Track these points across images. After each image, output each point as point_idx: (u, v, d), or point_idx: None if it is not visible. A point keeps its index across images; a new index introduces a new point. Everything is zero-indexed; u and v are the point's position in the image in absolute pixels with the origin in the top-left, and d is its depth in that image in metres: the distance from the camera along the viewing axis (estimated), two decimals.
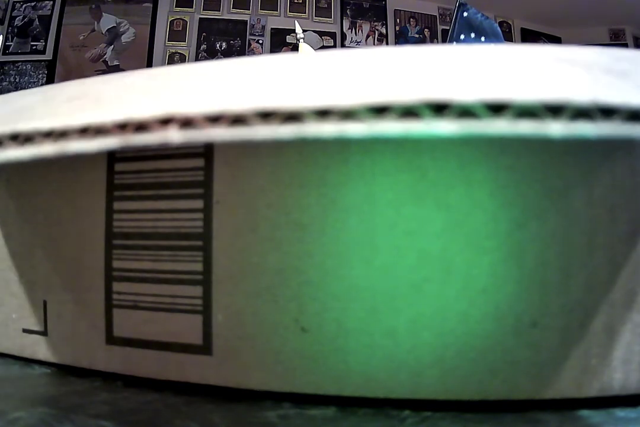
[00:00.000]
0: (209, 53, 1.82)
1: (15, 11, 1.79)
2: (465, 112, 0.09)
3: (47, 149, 0.10)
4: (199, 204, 0.15)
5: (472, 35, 0.80)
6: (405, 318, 0.14)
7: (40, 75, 1.74)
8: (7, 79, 1.73)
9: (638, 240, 0.14)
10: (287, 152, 0.15)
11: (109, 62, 1.76)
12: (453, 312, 0.14)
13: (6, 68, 1.74)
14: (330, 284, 0.14)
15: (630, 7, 1.81)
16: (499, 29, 0.87)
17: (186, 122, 0.10)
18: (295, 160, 0.15)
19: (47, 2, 1.78)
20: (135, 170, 0.16)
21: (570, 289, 0.14)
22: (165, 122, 0.10)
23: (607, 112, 0.09)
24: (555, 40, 2.08)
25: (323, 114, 0.09)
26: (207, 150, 0.15)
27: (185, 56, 1.82)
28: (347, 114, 0.09)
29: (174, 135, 0.10)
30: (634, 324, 0.14)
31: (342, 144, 0.15)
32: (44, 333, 0.18)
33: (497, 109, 0.09)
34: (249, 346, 0.15)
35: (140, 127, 0.10)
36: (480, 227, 0.14)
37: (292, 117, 0.09)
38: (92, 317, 0.17)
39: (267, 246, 0.15)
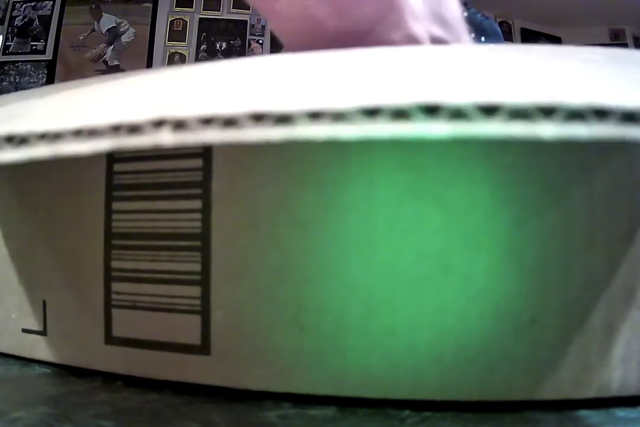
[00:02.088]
0: (209, 53, 1.82)
1: (15, 11, 1.79)
2: (457, 114, 0.09)
3: (41, 151, 0.10)
4: (197, 204, 0.15)
5: (472, 35, 0.79)
6: (404, 316, 0.14)
7: (40, 75, 1.74)
8: (7, 79, 1.74)
9: (637, 238, 0.14)
10: (286, 151, 0.15)
11: (109, 62, 1.76)
12: (452, 310, 0.14)
13: (6, 68, 1.74)
14: (329, 282, 0.14)
15: (630, 7, 1.81)
16: (499, 29, 0.87)
17: (178, 124, 0.10)
18: (295, 159, 0.15)
19: (47, 2, 1.78)
20: (134, 171, 0.16)
21: (569, 287, 0.14)
22: (158, 124, 0.10)
23: (601, 113, 0.09)
24: (555, 40, 2.08)
25: (314, 116, 0.09)
26: (206, 151, 0.15)
27: (185, 56, 1.82)
28: (339, 116, 0.09)
29: (166, 138, 0.10)
30: (633, 321, 0.14)
31: (341, 143, 0.15)
32: (43, 333, 0.18)
33: (489, 110, 0.09)
34: (247, 346, 0.15)
35: (133, 129, 0.10)
36: (480, 226, 0.14)
37: (284, 119, 0.09)
38: (91, 317, 0.17)
39: (266, 244, 0.15)
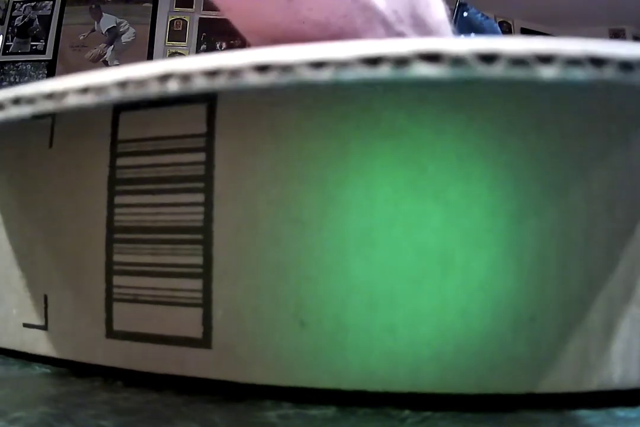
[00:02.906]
0: (209, 53, 1.82)
1: (15, 11, 1.79)
2: (457, 61, 0.09)
3: (47, 106, 0.10)
4: (199, 197, 0.16)
5: (472, 35, 0.80)
6: (404, 313, 0.14)
7: (40, 75, 1.74)
8: (7, 79, 1.73)
9: (636, 235, 0.14)
10: (287, 148, 0.15)
11: (109, 62, 1.76)
12: (452, 307, 0.14)
13: (6, 68, 1.74)
14: (329, 279, 0.14)
15: (630, 7, 1.81)
16: (499, 29, 0.87)
17: (185, 77, 0.10)
18: (295, 156, 0.15)
19: (47, 2, 1.78)
20: (136, 165, 0.16)
21: (568, 283, 0.14)
22: (165, 78, 0.10)
23: (598, 61, 0.09)
24: None
25: (318, 66, 0.09)
26: (208, 145, 0.16)
27: (185, 56, 1.82)
28: (341, 65, 0.09)
29: (173, 86, 0.10)
30: (633, 318, 0.14)
31: (341, 140, 0.15)
32: (44, 327, 0.18)
33: (488, 59, 0.09)
34: (248, 340, 0.15)
35: (140, 83, 0.10)
36: (479, 223, 0.14)
37: (287, 69, 0.09)
38: (93, 311, 0.17)
39: (267, 241, 0.15)
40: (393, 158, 0.14)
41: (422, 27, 0.21)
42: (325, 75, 0.09)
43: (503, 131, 0.14)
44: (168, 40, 1.82)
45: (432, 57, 0.09)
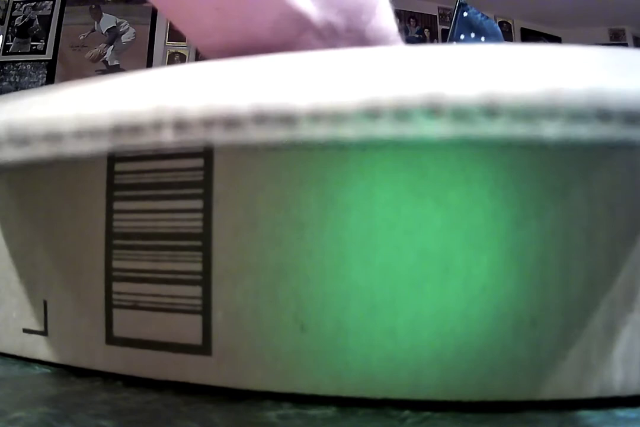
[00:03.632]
0: None
1: (15, 11, 1.78)
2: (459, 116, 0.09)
3: (42, 151, 0.10)
4: (198, 204, 0.15)
5: (472, 35, 0.80)
6: (405, 317, 0.14)
7: (40, 75, 1.74)
8: (7, 79, 1.73)
9: (638, 238, 0.14)
10: (286, 151, 0.15)
11: (109, 62, 1.76)
12: (453, 311, 0.14)
13: (6, 68, 1.74)
14: (329, 282, 0.14)
15: (630, 7, 1.81)
16: (499, 29, 0.87)
17: (180, 126, 0.10)
18: (295, 159, 0.15)
19: (47, 2, 1.78)
20: (135, 171, 0.16)
21: (570, 287, 0.14)
22: (159, 126, 0.10)
23: (604, 116, 0.09)
24: (555, 40, 2.08)
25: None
26: (207, 151, 0.15)
27: (185, 56, 1.82)
28: (340, 119, 0.09)
29: (168, 137, 0.10)
30: (634, 322, 0.14)
31: (341, 142, 0.15)
32: (44, 333, 0.18)
33: (491, 113, 0.09)
34: (248, 346, 0.15)
35: (135, 129, 0.10)
36: (480, 226, 0.14)
37: (287, 120, 0.09)
38: (92, 317, 0.17)
39: (267, 244, 0.15)
40: (393, 160, 0.14)
41: (361, 41, 0.20)
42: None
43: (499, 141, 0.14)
44: (168, 40, 1.82)
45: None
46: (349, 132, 0.09)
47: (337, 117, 0.09)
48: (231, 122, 0.09)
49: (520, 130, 0.09)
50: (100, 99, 0.11)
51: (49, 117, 0.10)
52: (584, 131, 0.09)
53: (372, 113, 0.09)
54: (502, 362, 0.14)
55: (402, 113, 0.09)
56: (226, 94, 0.10)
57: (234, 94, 0.10)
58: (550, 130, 0.09)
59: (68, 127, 0.10)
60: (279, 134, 0.09)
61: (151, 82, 0.12)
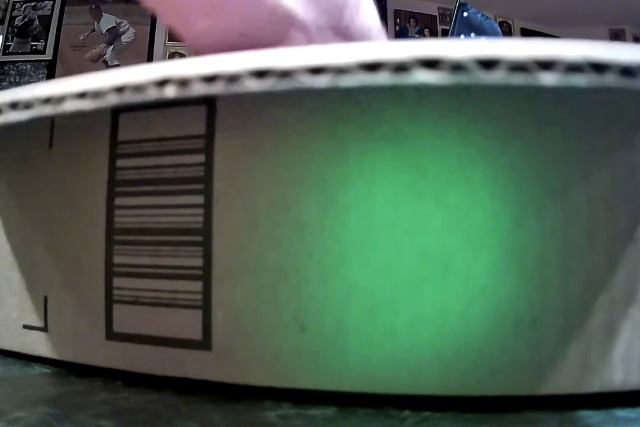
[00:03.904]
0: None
1: (15, 11, 1.78)
2: (457, 67, 0.09)
3: (45, 110, 0.10)
4: (199, 199, 0.15)
5: (472, 35, 0.80)
6: (405, 317, 0.14)
7: (40, 76, 1.74)
8: (7, 79, 1.73)
9: (637, 237, 0.14)
10: (286, 151, 0.15)
11: (109, 62, 1.76)
12: (452, 311, 0.14)
13: (6, 68, 1.74)
14: (329, 282, 0.14)
15: (630, 7, 1.81)
16: (499, 29, 0.87)
17: (182, 83, 0.10)
18: (295, 158, 0.15)
19: (47, 2, 1.78)
20: (136, 166, 0.16)
21: (570, 287, 0.14)
22: (162, 83, 0.10)
23: (599, 67, 0.09)
24: None
25: (316, 71, 0.09)
26: (208, 146, 0.16)
27: (185, 56, 1.82)
28: (340, 71, 0.09)
29: (170, 92, 0.10)
30: (634, 321, 0.14)
31: (341, 143, 0.15)
32: (44, 329, 0.18)
33: (488, 65, 0.09)
34: (248, 343, 0.15)
35: (137, 88, 0.10)
36: (480, 226, 0.14)
37: (286, 74, 0.09)
38: (93, 313, 0.17)
39: (267, 244, 0.15)
40: (393, 160, 0.14)
41: (346, 38, 0.21)
42: (323, 81, 0.09)
43: (504, 133, 0.14)
44: (168, 40, 1.82)
45: (431, 63, 0.09)
46: (348, 81, 0.09)
47: (337, 70, 0.09)
48: (232, 78, 0.09)
49: (517, 79, 0.09)
50: (105, 77, 0.11)
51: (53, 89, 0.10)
52: (581, 80, 0.09)
53: (371, 66, 0.09)
54: (502, 362, 0.14)
55: (400, 66, 0.09)
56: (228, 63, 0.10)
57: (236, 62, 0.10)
58: (548, 78, 0.09)
59: (71, 91, 0.10)
60: (280, 86, 0.09)
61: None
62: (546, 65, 0.09)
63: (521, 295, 0.14)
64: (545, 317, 0.14)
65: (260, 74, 0.09)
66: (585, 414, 0.14)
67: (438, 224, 0.14)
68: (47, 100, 0.10)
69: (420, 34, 2.02)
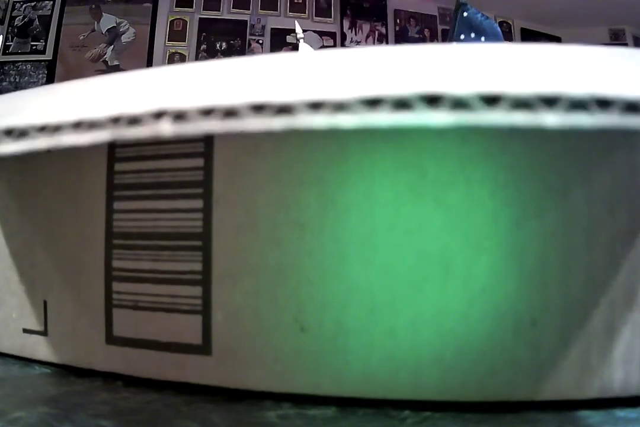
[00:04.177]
0: (209, 53, 1.82)
1: (15, 11, 1.78)
2: (459, 104, 0.09)
3: (41, 143, 0.10)
4: (198, 203, 0.15)
5: (472, 35, 0.80)
6: (405, 318, 0.14)
7: (40, 75, 1.74)
8: (7, 79, 1.73)
9: (638, 238, 0.14)
10: (286, 151, 0.15)
11: (109, 62, 1.76)
12: (453, 311, 0.14)
13: (6, 68, 1.74)
14: (329, 283, 0.14)
15: (630, 7, 1.81)
16: (499, 29, 0.87)
17: (179, 116, 0.10)
18: (295, 159, 0.15)
19: (47, 2, 1.78)
20: (135, 170, 0.16)
21: (570, 288, 0.14)
22: (158, 115, 0.10)
23: (603, 103, 0.09)
24: (555, 40, 2.08)
25: (315, 106, 0.09)
26: (207, 150, 0.15)
27: (185, 56, 1.82)
28: (340, 107, 0.09)
29: (166, 128, 0.10)
30: (634, 323, 0.14)
31: (341, 143, 0.15)
32: (44, 333, 0.18)
33: (491, 101, 0.09)
34: (248, 346, 0.15)
35: (133, 121, 0.10)
36: (480, 227, 0.14)
37: (284, 110, 0.09)
38: (92, 317, 0.17)
39: (267, 245, 0.15)
40: (393, 161, 0.14)
41: None
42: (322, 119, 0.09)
43: (504, 133, 0.14)
44: (168, 40, 1.82)
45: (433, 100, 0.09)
46: (348, 120, 0.09)
47: (336, 105, 0.09)
48: (229, 112, 0.09)
49: (520, 118, 0.09)
50: (100, 99, 0.11)
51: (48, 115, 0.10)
52: (585, 120, 0.09)
53: (372, 102, 0.09)
54: (502, 362, 0.14)
55: (401, 102, 0.09)
56: (226, 92, 0.10)
57: (234, 92, 0.10)
58: (551, 119, 0.09)
59: (67, 120, 0.10)
60: (278, 123, 0.09)
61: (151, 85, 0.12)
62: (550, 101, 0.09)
63: (521, 295, 0.14)
64: (545, 317, 0.14)
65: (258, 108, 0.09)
66: (585, 414, 0.14)
67: (438, 225, 0.14)
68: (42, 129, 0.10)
69: (420, 34, 2.02)
